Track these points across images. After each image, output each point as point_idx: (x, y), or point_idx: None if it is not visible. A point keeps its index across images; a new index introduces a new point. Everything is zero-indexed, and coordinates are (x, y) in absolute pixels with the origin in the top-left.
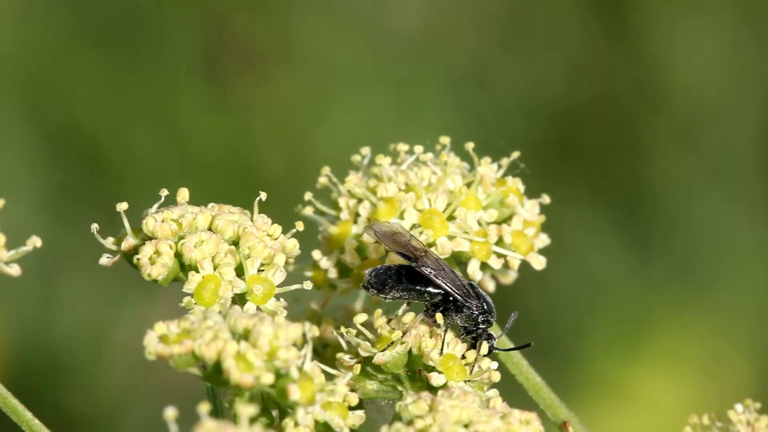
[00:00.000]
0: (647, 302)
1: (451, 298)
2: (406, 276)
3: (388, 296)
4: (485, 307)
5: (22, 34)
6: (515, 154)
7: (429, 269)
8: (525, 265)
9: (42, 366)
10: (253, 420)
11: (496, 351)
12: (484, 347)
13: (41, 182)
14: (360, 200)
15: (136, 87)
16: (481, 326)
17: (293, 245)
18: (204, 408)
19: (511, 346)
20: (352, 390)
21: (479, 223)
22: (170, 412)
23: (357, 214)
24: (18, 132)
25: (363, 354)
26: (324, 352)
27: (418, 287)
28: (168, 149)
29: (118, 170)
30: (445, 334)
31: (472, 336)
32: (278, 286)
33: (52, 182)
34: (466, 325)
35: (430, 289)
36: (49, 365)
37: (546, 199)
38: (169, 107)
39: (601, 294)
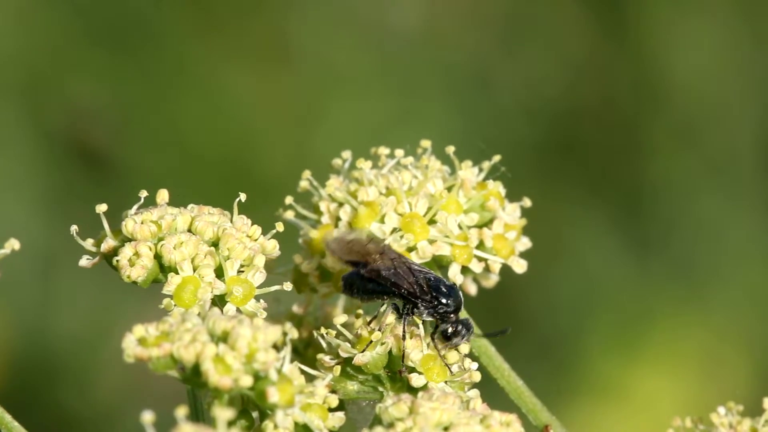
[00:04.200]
0: (646, 302)
1: (407, 295)
2: (367, 278)
3: (355, 296)
4: (435, 301)
5: (22, 34)
6: (496, 158)
7: (378, 271)
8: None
9: (41, 366)
10: (232, 422)
11: (473, 341)
12: (465, 347)
13: (41, 182)
14: (341, 204)
15: (136, 87)
16: (440, 319)
17: (273, 246)
18: (182, 411)
19: (493, 349)
20: (333, 391)
21: (460, 227)
22: (147, 416)
23: (338, 218)
24: (18, 132)
25: (343, 355)
26: (305, 352)
27: (376, 287)
28: (168, 149)
29: (117, 170)
30: (403, 332)
31: (442, 331)
32: (258, 288)
33: (52, 182)
34: (430, 319)
35: (388, 289)
36: (48, 365)
37: (527, 202)
38: (169, 107)
39: (600, 294)
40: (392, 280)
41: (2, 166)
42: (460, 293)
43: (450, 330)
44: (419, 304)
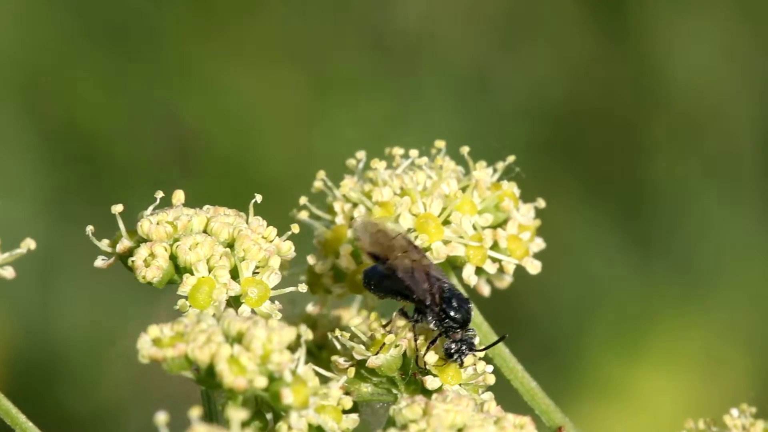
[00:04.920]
0: (647, 302)
1: (417, 301)
2: (385, 275)
3: (372, 292)
4: (443, 314)
5: (22, 34)
6: (510, 158)
7: (395, 270)
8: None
9: (42, 366)
10: (246, 424)
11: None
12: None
13: (41, 182)
14: (355, 205)
15: (136, 87)
16: (444, 332)
17: (288, 248)
18: (195, 412)
19: (507, 350)
20: (347, 393)
21: (474, 228)
22: (161, 417)
23: (352, 219)
24: (18, 132)
25: (357, 357)
26: (320, 354)
27: (392, 285)
28: (168, 149)
29: (118, 170)
30: (414, 337)
31: (445, 348)
32: (273, 289)
33: (52, 182)
34: (435, 329)
35: (401, 290)
36: (49, 365)
37: (542, 203)
38: (169, 107)
39: (601, 294)
40: (406, 282)
41: (2, 166)
42: (471, 309)
43: (453, 348)
44: (427, 313)
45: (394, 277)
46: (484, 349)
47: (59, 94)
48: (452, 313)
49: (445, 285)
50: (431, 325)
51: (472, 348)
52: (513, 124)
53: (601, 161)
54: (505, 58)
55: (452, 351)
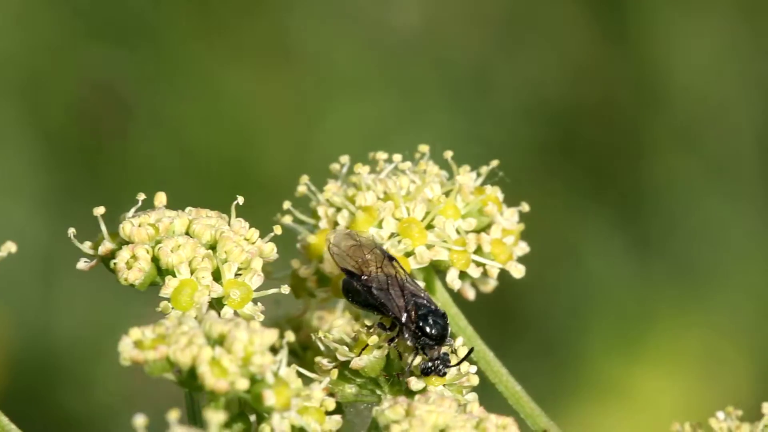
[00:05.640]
0: (647, 302)
1: (393, 318)
2: (361, 291)
3: (350, 302)
4: (419, 331)
5: (22, 34)
6: (494, 162)
7: (370, 287)
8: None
9: (42, 366)
10: (229, 425)
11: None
12: (463, 350)
13: (41, 182)
14: (339, 209)
15: (136, 87)
16: (420, 348)
17: (271, 249)
18: (174, 415)
19: (491, 354)
20: (331, 394)
21: (458, 232)
22: (139, 420)
23: (336, 223)
24: (18, 132)
25: (341, 358)
26: (304, 354)
27: (369, 299)
28: (168, 149)
29: (118, 170)
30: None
31: (421, 366)
32: (255, 291)
33: (52, 182)
34: (411, 345)
35: (376, 306)
36: (49, 366)
37: (525, 207)
38: (168, 107)
39: (601, 294)
40: (381, 300)
41: (2, 166)
42: (448, 325)
43: (429, 366)
44: (403, 330)
45: (369, 293)
46: (456, 365)
47: (59, 94)
48: (428, 330)
49: (421, 300)
50: (408, 342)
51: (447, 364)
52: (513, 124)
53: (601, 161)
54: (506, 58)
55: (426, 369)
